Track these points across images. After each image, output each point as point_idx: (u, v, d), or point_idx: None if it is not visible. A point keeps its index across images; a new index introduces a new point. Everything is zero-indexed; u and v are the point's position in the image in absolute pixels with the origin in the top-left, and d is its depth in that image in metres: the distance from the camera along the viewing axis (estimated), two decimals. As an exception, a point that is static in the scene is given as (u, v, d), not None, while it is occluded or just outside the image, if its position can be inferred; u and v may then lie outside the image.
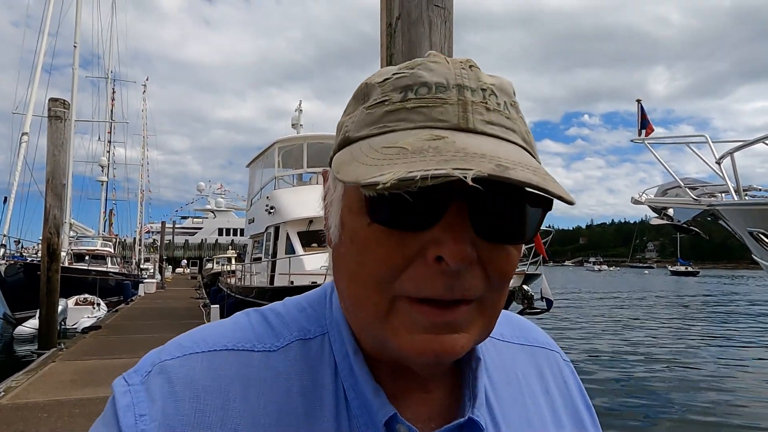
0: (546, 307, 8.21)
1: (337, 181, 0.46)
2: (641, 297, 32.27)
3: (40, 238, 25.13)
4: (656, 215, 6.73)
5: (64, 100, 10.47)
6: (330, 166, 0.47)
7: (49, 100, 10.37)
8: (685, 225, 6.01)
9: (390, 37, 2.35)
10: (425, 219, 0.40)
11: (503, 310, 0.56)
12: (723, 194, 5.02)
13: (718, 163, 4.77)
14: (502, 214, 0.41)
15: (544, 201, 0.42)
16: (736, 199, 4.43)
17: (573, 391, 0.60)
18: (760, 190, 5.07)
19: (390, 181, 0.35)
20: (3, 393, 5.68)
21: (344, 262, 0.45)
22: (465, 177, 0.34)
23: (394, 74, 0.45)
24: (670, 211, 6.48)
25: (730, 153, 4.52)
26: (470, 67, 0.45)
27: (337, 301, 0.51)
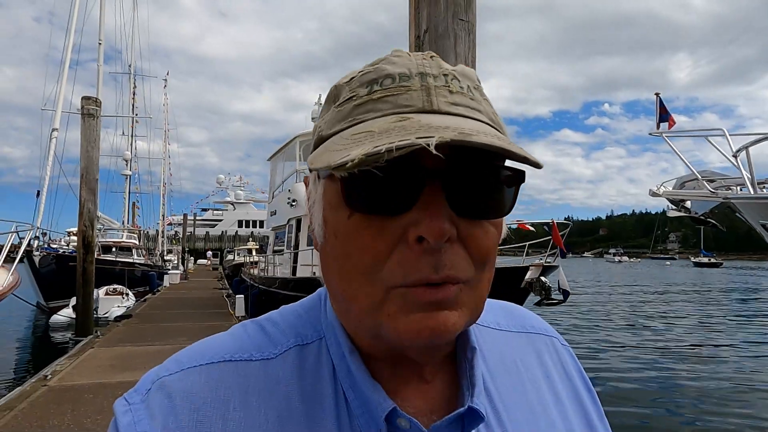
0: (563, 299, 8.38)
1: (317, 182, 0.47)
2: (661, 290, 31.88)
3: (67, 230, 25.82)
4: (674, 207, 6.81)
5: (96, 98, 10.92)
6: (309, 172, 0.50)
7: (81, 98, 10.82)
8: (702, 217, 6.10)
9: (418, 48, 2.56)
10: (401, 202, 0.41)
11: (499, 300, 0.60)
12: (739, 187, 5.12)
13: (735, 156, 4.84)
14: (476, 190, 0.42)
15: (516, 174, 0.43)
16: (751, 192, 4.54)
17: (573, 374, 0.60)
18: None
19: (357, 156, 0.36)
20: (50, 375, 6.10)
21: (331, 259, 0.46)
22: (428, 145, 0.35)
23: (359, 72, 0.47)
24: (688, 203, 6.57)
25: (746, 147, 4.61)
26: (431, 57, 0.47)
27: (330, 305, 0.52)
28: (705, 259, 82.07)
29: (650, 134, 6.78)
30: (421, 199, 0.40)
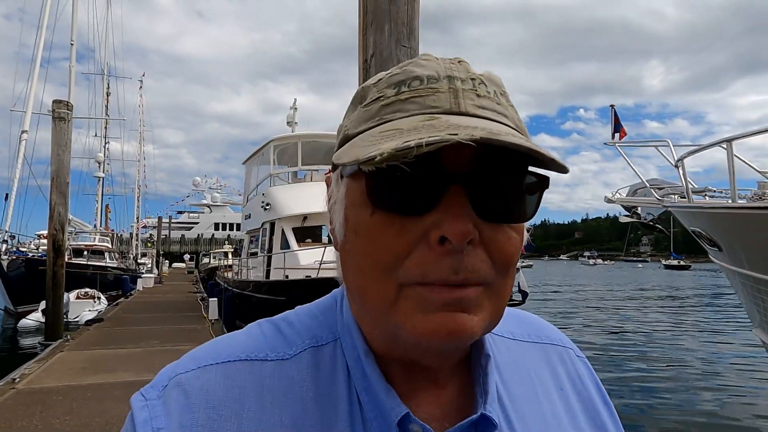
0: (522, 300, 8.74)
1: (339, 182, 0.47)
2: (633, 290, 32.79)
3: (37, 232, 25.31)
4: (626, 213, 7.24)
5: (68, 102, 10.89)
6: (332, 171, 0.50)
7: (53, 102, 10.78)
8: (651, 222, 6.51)
9: (365, 71, 2.81)
10: (424, 202, 0.40)
11: (515, 309, 0.59)
12: (677, 195, 5.52)
13: (677, 165, 5.23)
14: (500, 194, 0.42)
15: (540, 179, 0.43)
16: (682, 200, 4.92)
17: (589, 387, 0.59)
18: (714, 191, 5.55)
19: (387, 151, 0.36)
20: (19, 379, 6.14)
21: (350, 257, 0.46)
22: (459, 140, 0.35)
23: (387, 74, 0.47)
24: (640, 210, 6.99)
25: (684, 157, 4.98)
26: (459, 62, 0.47)
27: (347, 306, 0.51)
28: (675, 262, 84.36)
29: (605, 144, 7.18)
30: (445, 201, 0.40)
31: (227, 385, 0.47)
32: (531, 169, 0.43)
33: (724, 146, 4.64)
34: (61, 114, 10.51)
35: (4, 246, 16.80)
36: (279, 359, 0.49)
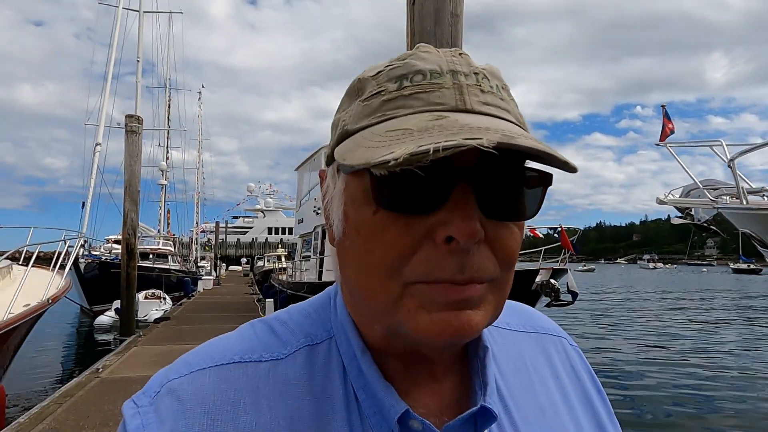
0: (572, 300, 8.70)
1: (336, 177, 0.47)
2: (697, 296, 31.15)
3: (106, 237, 27.07)
4: (679, 215, 7.09)
5: (138, 116, 11.83)
6: (326, 167, 0.49)
7: (125, 117, 11.77)
8: (705, 224, 6.36)
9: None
10: (431, 201, 0.40)
11: (508, 300, 0.56)
12: (729, 196, 5.39)
13: (729, 165, 5.13)
14: (504, 192, 0.42)
15: (542, 175, 0.43)
16: (741, 201, 4.82)
17: (582, 375, 0.60)
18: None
19: (402, 156, 0.35)
20: (102, 369, 6.81)
21: (351, 254, 0.45)
22: (479, 146, 0.35)
23: (387, 66, 0.46)
24: (693, 211, 6.83)
25: (737, 156, 4.88)
26: (460, 54, 0.46)
27: (341, 303, 0.51)
28: (744, 266, 79.27)
29: (655, 144, 7.08)
30: (451, 200, 0.40)
31: (221, 388, 0.46)
32: (532, 165, 0.43)
33: None
34: (132, 128, 11.44)
35: (82, 250, 18.21)
36: (273, 359, 0.48)
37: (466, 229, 0.39)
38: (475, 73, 0.45)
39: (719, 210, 5.37)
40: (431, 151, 0.35)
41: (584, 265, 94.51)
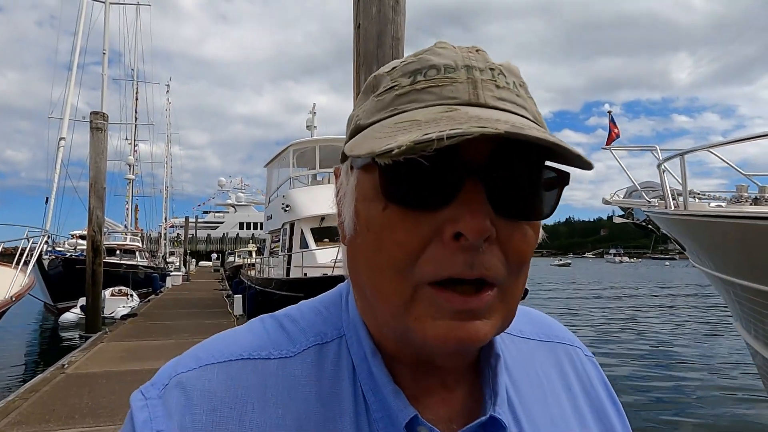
0: (522, 296, 9.15)
1: (350, 173, 0.46)
2: (657, 289, 32.43)
3: (71, 232, 26.49)
4: (621, 214, 7.63)
5: (104, 113, 11.79)
6: (341, 162, 0.49)
7: (90, 113, 11.70)
8: (643, 223, 6.87)
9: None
10: (440, 196, 0.39)
11: (525, 307, 0.58)
12: (657, 199, 5.88)
13: (658, 167, 5.57)
14: (517, 190, 0.40)
15: (560, 175, 0.42)
16: (666, 204, 5.30)
17: (597, 386, 0.58)
18: (698, 194, 5.89)
19: (405, 143, 0.34)
20: (67, 365, 6.91)
21: (361, 251, 0.44)
22: (483, 134, 0.34)
23: (402, 62, 0.46)
24: (634, 211, 7.36)
25: (665, 161, 5.32)
26: (477, 50, 0.45)
27: (353, 302, 0.51)
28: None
29: (602, 149, 7.57)
30: (461, 195, 0.39)
31: (229, 385, 0.45)
32: (550, 164, 0.42)
33: (713, 150, 5.00)
34: (98, 125, 11.38)
35: (45, 246, 17.88)
36: (282, 357, 0.48)
37: (474, 226, 0.38)
38: (491, 69, 0.44)
39: (645, 212, 5.87)
40: (435, 139, 0.34)
41: (560, 260, 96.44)
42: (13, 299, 7.31)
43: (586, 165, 0.40)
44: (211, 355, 0.48)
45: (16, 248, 8.73)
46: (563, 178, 0.43)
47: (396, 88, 0.44)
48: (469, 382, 0.50)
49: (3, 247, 7.86)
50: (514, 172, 0.40)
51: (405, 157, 0.36)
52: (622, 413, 0.59)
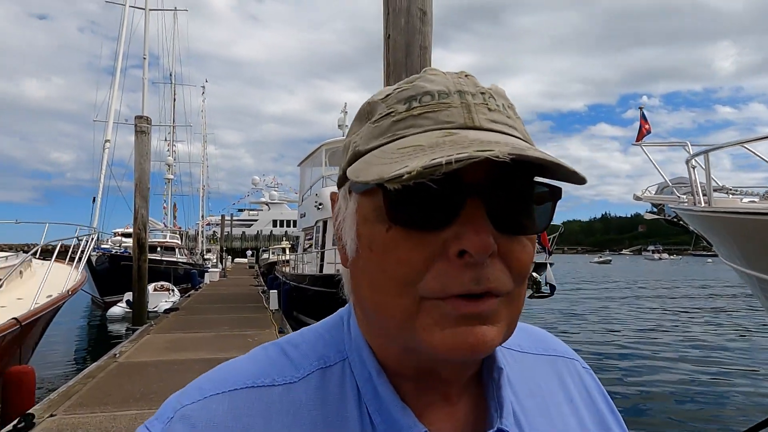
0: (550, 292, 9.26)
1: (348, 198, 0.47)
2: (700, 289, 31.29)
3: (114, 230, 27.66)
4: (653, 210, 7.59)
5: (147, 117, 12.42)
6: (338, 188, 0.50)
7: (135, 118, 12.35)
8: (675, 219, 6.84)
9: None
10: (443, 216, 0.41)
11: (521, 323, 0.56)
12: (686, 195, 5.84)
13: (687, 163, 5.55)
14: (515, 206, 0.42)
15: (552, 190, 0.44)
16: (696, 200, 5.28)
17: (596, 397, 0.59)
18: (730, 189, 5.83)
19: (416, 169, 0.36)
20: (119, 354, 7.41)
21: (364, 273, 0.45)
22: (492, 157, 0.36)
23: (395, 89, 0.47)
24: (666, 207, 7.31)
25: (693, 156, 5.31)
26: (466, 76, 0.47)
27: (355, 324, 0.51)
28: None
29: (632, 145, 7.55)
30: (463, 214, 0.41)
31: (234, 414, 0.46)
32: (541, 180, 0.44)
33: (746, 146, 4.96)
34: (142, 128, 12.03)
35: (93, 243, 18.84)
36: (286, 383, 0.48)
37: (478, 242, 0.40)
38: (482, 93, 0.46)
39: (672, 209, 5.86)
40: (444, 163, 0.36)
41: (600, 257, 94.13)
42: (69, 293, 7.87)
43: (579, 180, 0.42)
44: (215, 386, 0.48)
45: (67, 246, 9.32)
46: (555, 193, 0.45)
47: (392, 114, 0.45)
48: (472, 396, 0.51)
49: (53, 244, 8.44)
50: (511, 190, 0.42)
51: (415, 182, 0.37)
52: (622, 424, 0.59)
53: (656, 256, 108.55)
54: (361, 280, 0.47)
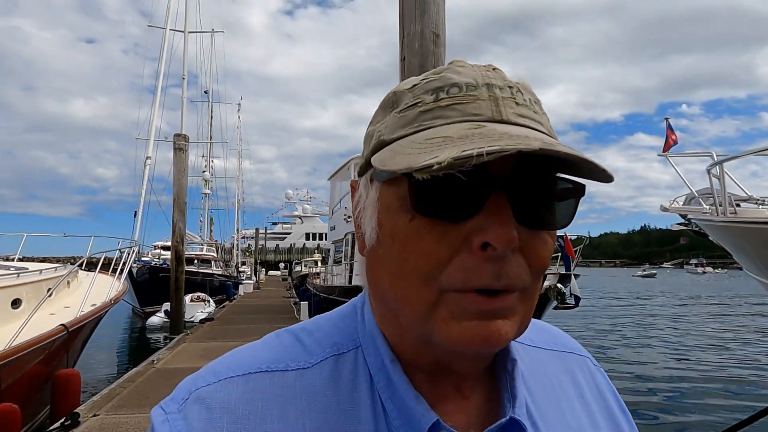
0: (575, 303, 9.19)
1: (369, 186, 0.47)
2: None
3: (154, 243, 28.78)
4: (683, 221, 7.48)
5: (185, 135, 13.04)
6: (359, 176, 0.50)
7: (174, 135, 13.00)
8: (702, 231, 6.73)
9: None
10: (468, 208, 0.41)
11: (532, 318, 0.56)
12: (708, 205, 5.76)
13: (708, 171, 5.46)
14: (539, 201, 0.42)
15: (576, 186, 0.44)
16: (715, 211, 5.22)
17: (607, 395, 0.59)
18: (757, 200, 5.73)
19: (446, 160, 0.36)
20: (156, 361, 7.80)
21: (385, 262, 0.45)
22: (522, 150, 0.36)
23: (422, 80, 0.47)
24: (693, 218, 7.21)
25: (714, 165, 5.23)
26: (493, 69, 0.47)
27: (369, 313, 0.51)
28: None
29: (658, 156, 7.50)
30: (487, 207, 0.41)
31: (249, 397, 0.46)
32: (564, 176, 0.43)
33: None
34: (180, 146, 12.64)
35: (134, 255, 19.66)
36: (300, 368, 0.48)
37: (503, 236, 0.40)
38: (509, 87, 0.46)
39: (692, 220, 5.80)
40: (475, 155, 0.36)
41: (644, 270, 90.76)
42: (112, 302, 8.34)
43: (606, 177, 0.42)
44: (230, 369, 0.48)
45: (110, 258, 9.86)
46: (579, 189, 0.45)
47: (419, 104, 0.45)
48: (485, 389, 0.51)
49: (97, 257, 8.99)
50: (536, 185, 0.42)
51: (444, 172, 0.37)
52: (632, 423, 0.59)
53: (699, 269, 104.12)
54: (380, 270, 0.47)
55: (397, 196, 0.44)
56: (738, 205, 5.66)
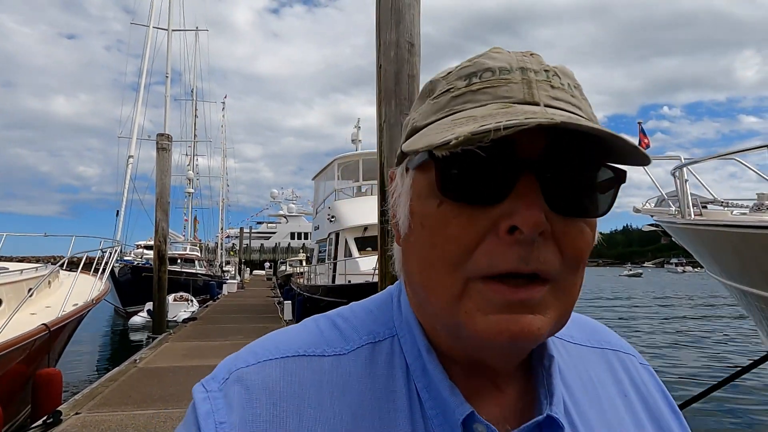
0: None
1: (405, 175, 0.47)
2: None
3: (136, 243, 28.65)
4: (651, 223, 7.75)
5: (169, 135, 13.05)
6: (397, 166, 0.50)
7: (157, 135, 13.00)
8: (668, 232, 6.99)
9: (381, 131, 3.95)
10: (495, 192, 0.40)
11: (574, 313, 0.53)
12: (674, 207, 6.00)
13: (673, 174, 5.53)
14: (573, 186, 0.41)
15: (617, 173, 0.42)
16: (674, 213, 5.44)
17: (655, 395, 0.57)
18: (722, 202, 5.98)
19: (463, 134, 0.35)
20: (139, 360, 7.83)
21: (415, 249, 0.45)
22: (539, 123, 0.35)
23: (457, 67, 0.47)
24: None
25: (678, 168, 5.43)
26: (531, 54, 0.46)
27: (405, 302, 0.51)
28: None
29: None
30: (516, 190, 0.39)
31: (287, 380, 0.46)
32: (606, 163, 0.41)
33: (738, 158, 5.13)
34: (163, 145, 12.63)
35: (116, 255, 19.52)
36: (336, 354, 0.49)
37: (529, 219, 0.39)
38: (546, 71, 0.44)
39: (657, 221, 6.03)
40: (492, 129, 0.35)
41: (630, 269, 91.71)
42: (94, 302, 8.34)
43: (642, 159, 0.40)
44: (269, 351, 0.49)
45: (92, 258, 9.84)
46: (620, 177, 0.43)
47: (452, 90, 0.45)
48: (521, 384, 0.50)
49: (79, 256, 8.98)
50: (568, 168, 0.41)
51: (462, 149, 0.37)
52: (684, 424, 0.57)
53: (679, 269, 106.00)
54: (412, 257, 0.47)
55: (428, 182, 0.44)
56: (705, 207, 5.90)
